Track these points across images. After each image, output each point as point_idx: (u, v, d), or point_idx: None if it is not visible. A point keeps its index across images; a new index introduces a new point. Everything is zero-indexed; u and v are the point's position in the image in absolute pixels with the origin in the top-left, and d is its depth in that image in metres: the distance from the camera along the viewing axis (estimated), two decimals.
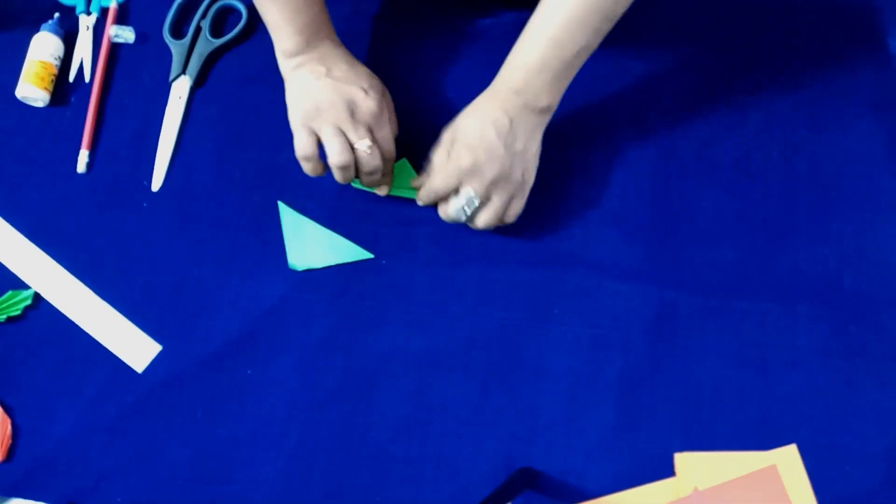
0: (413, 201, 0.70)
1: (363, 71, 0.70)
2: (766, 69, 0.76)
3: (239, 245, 0.74)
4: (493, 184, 0.64)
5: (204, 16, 0.82)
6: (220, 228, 0.75)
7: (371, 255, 0.72)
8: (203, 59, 0.80)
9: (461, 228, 0.71)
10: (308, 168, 0.68)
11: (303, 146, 0.66)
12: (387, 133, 0.68)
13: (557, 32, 0.62)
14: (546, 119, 0.66)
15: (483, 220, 0.67)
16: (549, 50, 0.62)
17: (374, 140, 0.67)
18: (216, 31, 0.82)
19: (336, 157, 0.65)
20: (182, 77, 0.80)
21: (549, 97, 0.64)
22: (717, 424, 0.66)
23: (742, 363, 0.68)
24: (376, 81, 0.70)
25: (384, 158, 0.68)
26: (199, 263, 0.73)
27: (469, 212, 0.66)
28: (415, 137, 0.75)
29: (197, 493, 0.68)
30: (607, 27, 0.62)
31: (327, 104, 0.66)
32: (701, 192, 0.73)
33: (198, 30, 0.81)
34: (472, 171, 0.64)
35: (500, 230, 0.71)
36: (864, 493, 0.64)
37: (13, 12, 0.83)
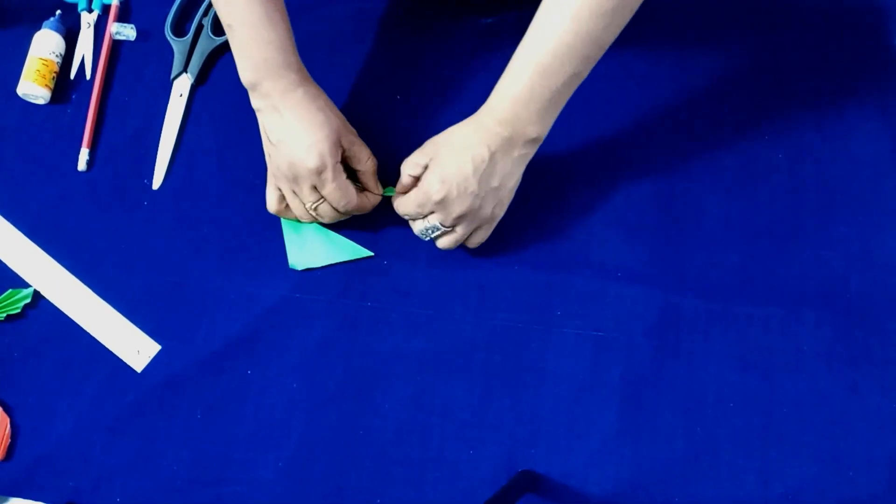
0: None
1: (315, 117, 0.65)
2: (772, 72, 0.76)
3: (239, 244, 0.74)
4: (460, 218, 0.64)
5: (206, 14, 0.81)
6: (221, 227, 0.74)
7: (371, 253, 0.72)
8: (204, 57, 0.80)
9: None
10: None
11: (267, 202, 0.70)
12: (331, 189, 0.65)
13: (547, 61, 0.59)
14: (532, 150, 0.64)
15: (443, 244, 0.67)
16: (537, 79, 0.59)
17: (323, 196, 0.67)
18: (218, 30, 0.81)
19: (302, 218, 0.70)
20: (183, 75, 0.79)
21: (538, 128, 0.62)
22: (720, 429, 0.66)
23: (746, 367, 0.67)
24: (322, 132, 0.65)
25: (342, 209, 0.67)
26: (199, 263, 0.73)
27: (432, 235, 0.67)
28: (415, 137, 0.74)
29: (196, 493, 0.68)
30: (597, 54, 0.60)
31: (275, 165, 0.67)
32: (705, 195, 0.72)
33: (199, 28, 0.81)
34: (440, 204, 0.63)
35: (500, 231, 0.70)
36: (867, 499, 0.64)
37: (15, 9, 0.83)
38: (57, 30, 0.80)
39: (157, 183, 0.76)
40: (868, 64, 0.76)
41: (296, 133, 0.65)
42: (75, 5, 0.83)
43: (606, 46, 0.60)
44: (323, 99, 0.68)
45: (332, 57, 0.78)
